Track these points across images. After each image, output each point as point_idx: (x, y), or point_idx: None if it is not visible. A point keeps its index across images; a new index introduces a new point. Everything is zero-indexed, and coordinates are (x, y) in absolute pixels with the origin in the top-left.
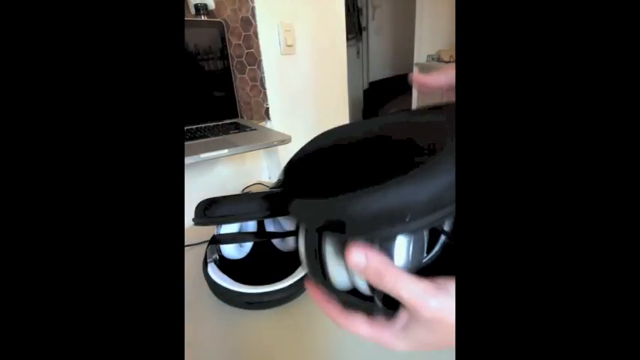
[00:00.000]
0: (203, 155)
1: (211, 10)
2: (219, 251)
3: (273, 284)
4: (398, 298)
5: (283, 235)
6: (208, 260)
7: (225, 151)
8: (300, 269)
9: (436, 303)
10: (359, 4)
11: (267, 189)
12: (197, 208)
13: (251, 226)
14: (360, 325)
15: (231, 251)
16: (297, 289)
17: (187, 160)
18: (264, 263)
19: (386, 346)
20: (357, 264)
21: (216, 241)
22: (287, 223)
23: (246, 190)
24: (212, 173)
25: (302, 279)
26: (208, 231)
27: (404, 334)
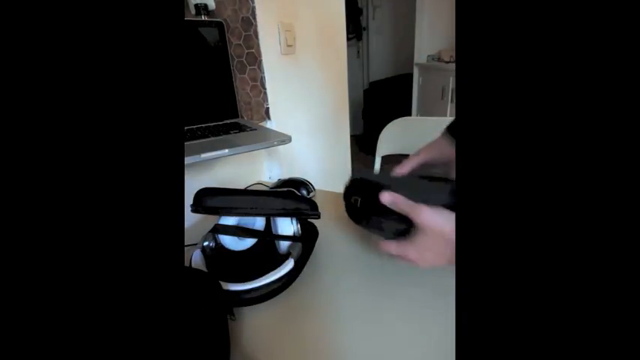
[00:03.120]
0: (203, 155)
1: (211, 10)
2: (216, 239)
3: (247, 283)
4: (416, 219)
5: (281, 238)
6: (198, 245)
7: (226, 151)
8: (268, 275)
9: (440, 218)
10: (359, 4)
11: (267, 189)
12: (196, 195)
13: (259, 223)
14: (391, 247)
15: (230, 242)
16: (268, 290)
17: (188, 160)
18: (258, 261)
19: (409, 261)
20: (391, 201)
21: (216, 230)
22: (282, 227)
23: None
24: (212, 173)
25: (273, 282)
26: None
27: (418, 247)
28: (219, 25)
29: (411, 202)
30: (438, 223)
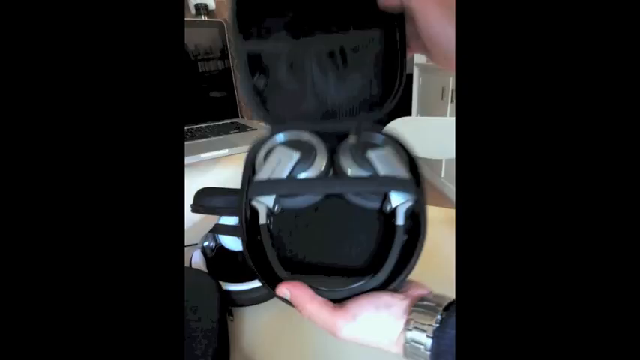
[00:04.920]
0: (203, 155)
1: (212, 10)
2: (216, 240)
3: (247, 283)
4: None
5: None
6: (198, 245)
7: (226, 151)
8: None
9: (346, 332)
10: None
11: None
12: (195, 195)
13: None
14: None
15: (229, 242)
16: (266, 291)
17: (188, 160)
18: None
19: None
20: (284, 295)
21: (215, 230)
22: None
23: None
24: (212, 173)
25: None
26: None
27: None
28: (219, 25)
29: (312, 302)
30: (356, 336)
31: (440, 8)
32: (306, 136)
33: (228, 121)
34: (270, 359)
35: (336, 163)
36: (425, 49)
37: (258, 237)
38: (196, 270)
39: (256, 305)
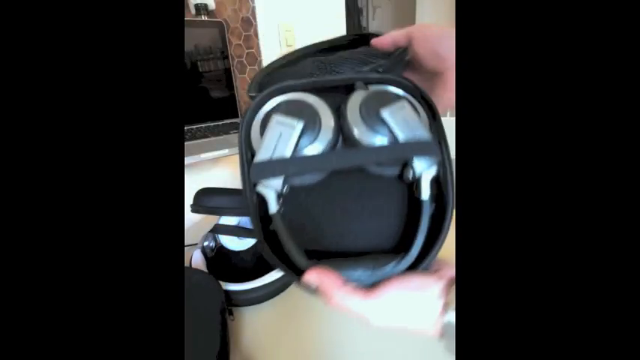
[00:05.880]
0: (203, 155)
1: (212, 10)
2: (216, 239)
3: (247, 283)
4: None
5: None
6: (198, 245)
7: (226, 151)
8: (268, 275)
9: (380, 319)
10: (359, 4)
11: None
12: (196, 195)
13: None
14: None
15: (229, 242)
16: (268, 290)
17: (188, 160)
18: (258, 261)
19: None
20: (312, 283)
21: (216, 230)
22: None
23: None
24: (212, 173)
25: (273, 282)
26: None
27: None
28: (220, 26)
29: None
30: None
31: (438, 27)
32: (304, 97)
33: (228, 121)
34: (270, 359)
35: (344, 126)
36: (446, 97)
37: (270, 227)
38: (196, 270)
39: (256, 305)
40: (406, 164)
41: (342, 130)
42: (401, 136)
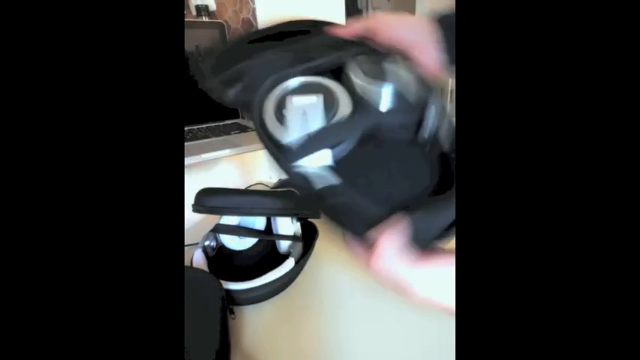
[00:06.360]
0: (204, 156)
1: (212, 12)
2: (217, 239)
3: (248, 282)
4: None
5: (281, 237)
6: (199, 245)
7: (227, 151)
8: (269, 274)
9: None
10: (359, 6)
11: (267, 189)
12: (197, 195)
13: (259, 222)
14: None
15: (230, 242)
16: (268, 289)
17: (188, 161)
18: (258, 260)
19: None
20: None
21: (216, 229)
22: (282, 227)
23: None
24: (213, 173)
25: (273, 281)
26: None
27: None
28: (220, 27)
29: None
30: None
31: (393, 16)
32: (308, 79)
33: (229, 122)
34: (271, 357)
35: (354, 88)
36: None
37: (323, 202)
38: (197, 269)
39: (257, 304)
40: (419, 125)
41: (353, 95)
42: (405, 77)
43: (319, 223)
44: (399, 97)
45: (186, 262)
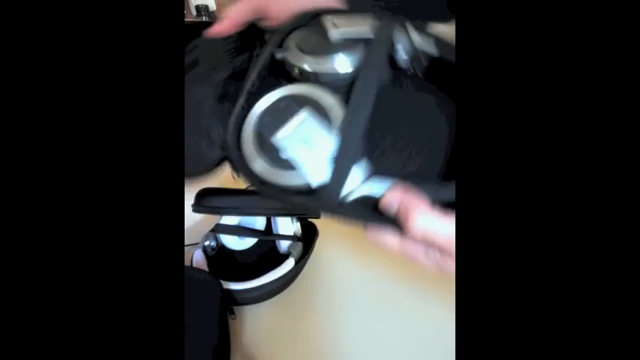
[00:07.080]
0: None
1: (212, 12)
2: (217, 239)
3: (248, 282)
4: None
5: (281, 237)
6: (199, 244)
7: None
8: (269, 274)
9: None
10: None
11: None
12: (197, 195)
13: (259, 223)
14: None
15: (230, 242)
16: (269, 289)
17: None
18: (258, 260)
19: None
20: (391, 205)
21: (216, 229)
22: (282, 227)
23: None
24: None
25: (273, 281)
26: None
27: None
28: None
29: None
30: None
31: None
32: (264, 104)
33: None
34: (271, 357)
35: (310, 77)
36: None
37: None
38: (197, 269)
39: (257, 304)
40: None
41: (322, 83)
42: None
43: (319, 223)
44: (354, 43)
45: (186, 262)
